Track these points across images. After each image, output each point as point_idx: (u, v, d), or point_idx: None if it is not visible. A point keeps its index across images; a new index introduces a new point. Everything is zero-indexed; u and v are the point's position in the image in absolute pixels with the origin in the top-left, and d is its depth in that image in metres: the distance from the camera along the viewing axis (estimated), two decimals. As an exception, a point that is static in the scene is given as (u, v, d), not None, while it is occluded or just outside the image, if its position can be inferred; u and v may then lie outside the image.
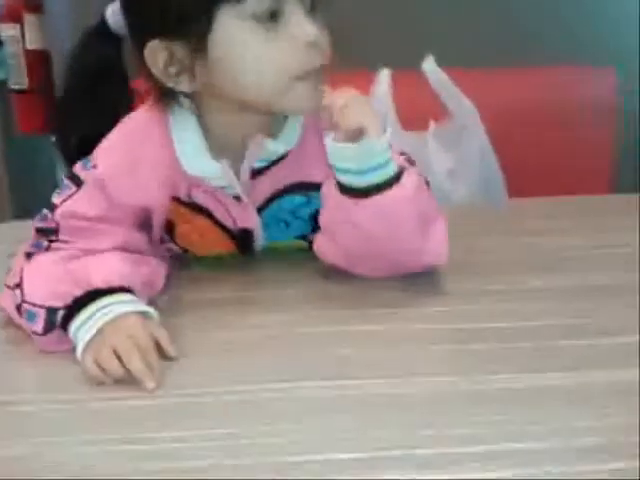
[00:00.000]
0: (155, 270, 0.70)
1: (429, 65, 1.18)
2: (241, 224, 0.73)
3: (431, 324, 0.64)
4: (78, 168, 0.67)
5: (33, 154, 2.19)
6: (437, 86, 1.17)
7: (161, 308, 0.64)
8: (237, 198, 0.70)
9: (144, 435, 0.50)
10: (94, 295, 0.61)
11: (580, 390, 0.53)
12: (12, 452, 0.49)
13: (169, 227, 0.73)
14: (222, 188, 0.69)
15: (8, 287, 0.65)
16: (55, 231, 0.67)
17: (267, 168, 0.70)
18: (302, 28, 0.61)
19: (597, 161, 1.28)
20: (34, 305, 0.62)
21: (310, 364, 0.58)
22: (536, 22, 1.37)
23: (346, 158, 0.64)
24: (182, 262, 0.77)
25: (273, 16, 0.60)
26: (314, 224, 0.73)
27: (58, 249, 0.66)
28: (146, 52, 0.63)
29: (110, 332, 0.58)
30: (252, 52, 0.61)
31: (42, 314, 0.61)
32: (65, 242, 0.66)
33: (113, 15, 0.69)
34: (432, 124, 1.19)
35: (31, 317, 0.61)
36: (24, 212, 2.12)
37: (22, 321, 0.63)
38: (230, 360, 0.60)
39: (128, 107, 0.72)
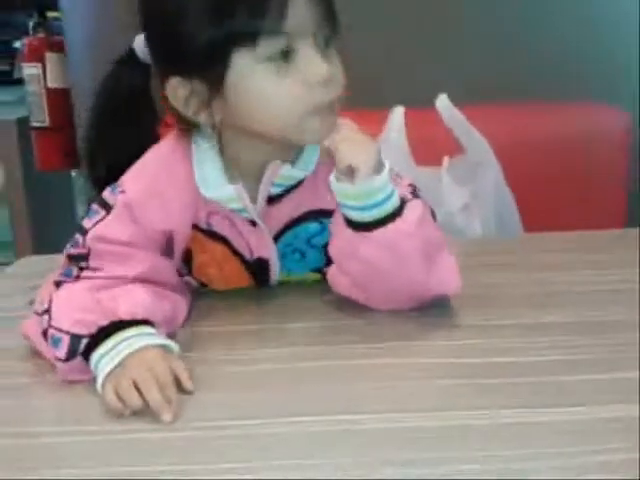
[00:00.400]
0: (177, 306, 0.71)
1: (442, 102, 1.20)
2: (257, 253, 0.74)
3: (440, 358, 0.64)
4: (107, 194, 0.70)
5: (52, 190, 2.23)
6: (450, 123, 1.18)
7: (178, 340, 0.65)
8: (253, 223, 0.72)
9: (156, 468, 0.50)
10: (118, 326, 0.62)
11: (583, 425, 0.52)
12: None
13: (187, 258, 0.74)
14: (238, 212, 0.71)
15: (36, 314, 0.66)
16: (86, 257, 0.68)
17: (284, 195, 0.72)
18: (313, 67, 0.63)
19: (611, 196, 1.29)
20: (60, 330, 0.63)
21: (321, 398, 0.58)
22: (550, 59, 1.38)
23: (348, 196, 0.66)
24: (198, 293, 0.78)
25: (285, 56, 0.63)
26: (328, 257, 0.74)
27: (88, 278, 0.67)
28: (167, 88, 0.66)
29: (131, 364, 0.59)
30: (266, 91, 0.64)
31: (66, 340, 0.62)
32: (94, 269, 0.68)
33: (141, 45, 0.72)
34: (446, 160, 1.20)
35: (56, 342, 0.62)
36: (43, 247, 2.16)
37: (46, 348, 0.64)
38: (243, 394, 0.60)
39: (155, 136, 0.75)
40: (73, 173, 2.04)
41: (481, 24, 1.39)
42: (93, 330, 0.62)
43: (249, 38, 0.62)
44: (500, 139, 1.19)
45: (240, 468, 0.50)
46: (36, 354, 0.67)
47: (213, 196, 0.69)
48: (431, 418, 0.55)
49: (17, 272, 0.93)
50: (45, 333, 0.64)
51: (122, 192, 0.69)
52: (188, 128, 0.69)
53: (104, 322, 0.62)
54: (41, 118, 1.70)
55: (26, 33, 1.83)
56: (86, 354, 0.61)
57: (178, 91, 0.66)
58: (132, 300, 0.64)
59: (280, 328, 0.72)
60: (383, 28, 1.41)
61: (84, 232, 0.68)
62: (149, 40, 0.69)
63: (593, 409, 0.54)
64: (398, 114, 1.22)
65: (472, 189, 1.15)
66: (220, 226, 0.72)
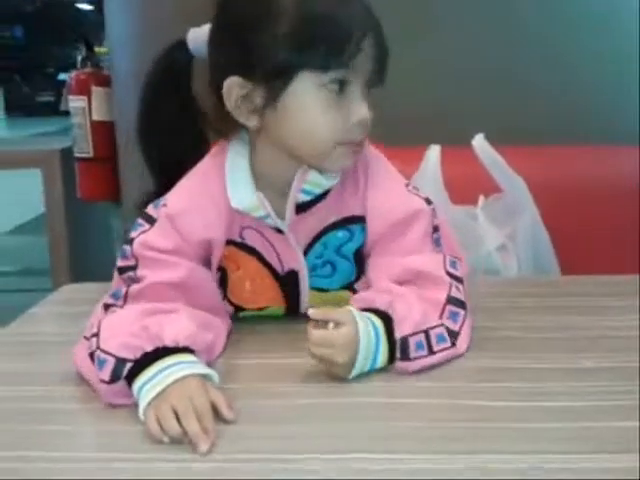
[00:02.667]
0: (218, 335, 0.73)
1: (479, 142, 1.21)
2: (287, 265, 0.77)
3: (476, 401, 0.63)
4: (150, 209, 0.74)
5: (91, 220, 2.28)
6: (487, 162, 1.19)
7: (216, 370, 0.66)
8: (279, 231, 0.75)
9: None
10: (161, 353, 0.64)
11: (617, 474, 0.52)
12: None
13: (223, 279, 0.78)
14: (263, 219, 0.74)
15: (85, 338, 0.68)
16: (134, 268, 0.72)
17: (311, 204, 0.75)
18: (358, 107, 0.69)
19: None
20: (106, 353, 0.64)
21: (354, 435, 0.59)
22: (587, 101, 1.39)
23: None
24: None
25: (341, 89, 0.68)
26: (358, 269, 0.78)
27: (134, 296, 0.70)
28: (225, 85, 0.70)
29: (172, 394, 0.61)
30: (314, 113, 0.69)
31: (112, 363, 0.64)
32: (140, 279, 0.71)
33: (194, 40, 0.77)
34: (482, 199, 1.21)
35: (101, 364, 0.64)
36: (80, 275, 2.20)
37: (90, 371, 0.66)
38: (282, 428, 0.60)
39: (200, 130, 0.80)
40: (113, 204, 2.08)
41: (521, 65, 1.41)
42: (138, 355, 0.64)
43: (321, 66, 0.67)
44: (536, 180, 1.20)
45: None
46: (82, 380, 0.68)
47: (240, 205, 0.73)
48: (464, 460, 0.54)
49: (59, 299, 0.95)
50: (92, 355, 0.66)
51: (164, 206, 0.73)
52: (226, 131, 0.73)
53: (149, 348, 0.64)
54: (85, 149, 1.75)
55: (72, 66, 1.90)
56: (129, 378, 0.63)
57: (234, 90, 0.70)
58: (177, 327, 0.67)
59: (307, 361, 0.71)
60: (424, 67, 1.43)
61: (130, 242, 0.72)
62: (217, 36, 0.72)
63: (631, 457, 0.54)
64: (434, 152, 1.24)
65: (509, 229, 1.15)
66: (252, 239, 0.76)
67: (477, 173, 1.21)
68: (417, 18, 1.42)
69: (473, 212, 1.19)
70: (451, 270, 0.74)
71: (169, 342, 0.65)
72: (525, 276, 1.12)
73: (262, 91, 0.69)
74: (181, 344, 0.65)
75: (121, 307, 0.71)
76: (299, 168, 0.72)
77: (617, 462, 0.53)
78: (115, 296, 0.72)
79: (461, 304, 0.72)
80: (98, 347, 0.66)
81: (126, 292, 0.71)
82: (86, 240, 2.23)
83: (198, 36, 0.76)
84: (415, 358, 0.68)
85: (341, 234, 0.77)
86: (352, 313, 0.68)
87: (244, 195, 0.72)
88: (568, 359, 0.71)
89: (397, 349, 0.68)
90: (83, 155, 1.76)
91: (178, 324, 0.67)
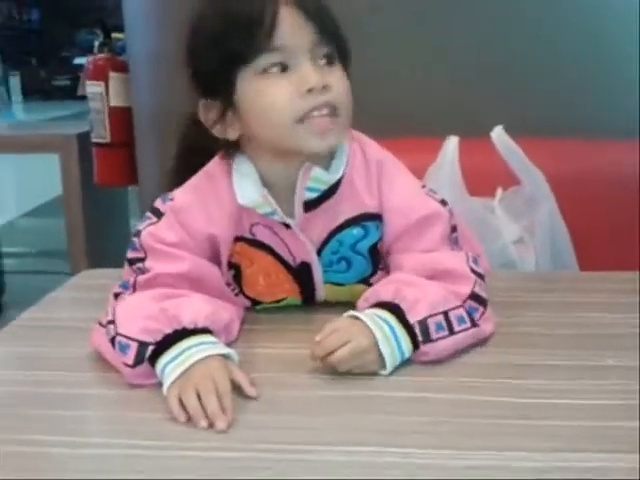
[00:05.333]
0: (233, 317, 0.75)
1: (498, 134, 1.20)
2: (299, 257, 0.78)
3: (495, 397, 0.63)
4: (158, 202, 0.77)
5: (108, 204, 2.29)
6: (506, 155, 1.18)
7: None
8: (287, 227, 0.76)
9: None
10: (182, 334, 0.66)
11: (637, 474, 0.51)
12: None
13: (237, 275, 0.79)
14: (270, 215, 0.75)
15: (101, 325, 0.71)
16: (142, 259, 0.74)
17: (320, 202, 0.75)
18: (304, 76, 0.69)
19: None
20: (128, 338, 0.66)
21: (370, 428, 0.58)
22: (610, 94, 1.37)
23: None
24: (247, 315, 0.80)
25: (283, 69, 0.70)
26: (374, 264, 0.78)
27: (142, 285, 0.72)
28: (199, 111, 0.74)
29: (194, 373, 0.63)
30: (263, 98, 0.70)
31: (134, 347, 0.66)
32: (147, 270, 0.73)
33: None
34: (499, 192, 1.20)
35: (124, 349, 0.66)
36: (96, 258, 2.21)
37: (113, 355, 0.68)
38: (302, 418, 0.61)
39: None
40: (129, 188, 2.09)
41: (543, 58, 1.39)
42: (159, 337, 0.66)
43: (244, 56, 0.69)
44: (555, 173, 1.19)
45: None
46: (99, 366, 0.69)
47: (245, 202, 0.74)
48: (480, 457, 0.54)
49: (78, 284, 0.96)
50: (112, 341, 0.68)
51: (171, 200, 0.76)
52: (225, 148, 0.76)
53: (168, 330, 0.66)
54: (102, 134, 1.75)
55: (88, 51, 1.90)
56: (152, 360, 0.65)
57: (206, 112, 0.73)
58: (194, 309, 0.69)
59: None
60: (444, 59, 1.42)
61: (138, 234, 0.75)
62: (188, 71, 0.76)
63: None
64: (452, 143, 1.23)
65: (526, 222, 1.14)
66: (262, 235, 0.77)
67: (495, 165, 1.20)
68: (432, 9, 1.41)
69: (490, 204, 1.18)
70: (473, 266, 0.74)
71: (187, 323, 0.67)
72: (543, 271, 1.11)
73: (219, 103, 0.72)
74: (200, 325, 0.67)
75: (130, 295, 0.72)
76: (300, 166, 0.73)
77: (633, 462, 0.53)
78: (124, 286, 0.74)
79: (482, 301, 0.72)
80: (117, 333, 0.67)
81: (134, 281, 0.73)
82: (103, 223, 2.25)
83: None
84: (437, 339, 0.68)
85: (356, 231, 0.77)
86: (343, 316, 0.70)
87: (250, 192, 0.74)
88: (588, 356, 0.70)
89: (418, 332, 0.68)
90: (100, 140, 1.76)
91: (195, 306, 0.70)
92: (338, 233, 0.77)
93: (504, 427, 0.58)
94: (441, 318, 0.69)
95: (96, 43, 1.83)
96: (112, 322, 0.68)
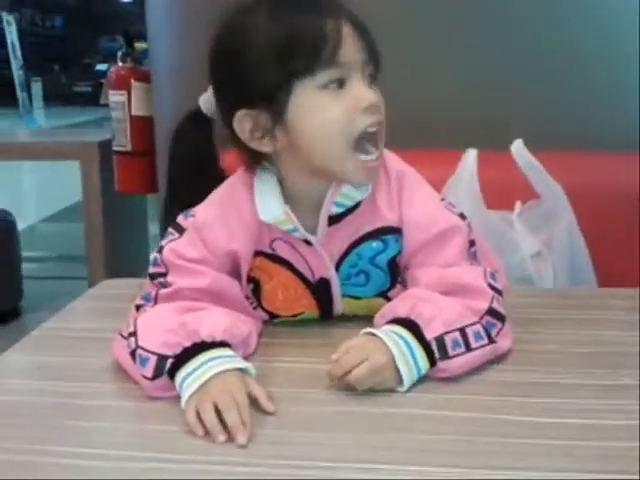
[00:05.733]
0: (251, 331, 0.75)
1: (517, 147, 1.20)
2: (318, 273, 0.78)
3: (510, 415, 0.63)
4: (181, 219, 0.77)
5: (127, 211, 2.31)
6: (525, 168, 1.18)
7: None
8: (308, 243, 0.76)
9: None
10: (200, 348, 0.67)
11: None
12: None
13: (256, 289, 0.80)
14: (292, 232, 0.75)
15: (122, 336, 0.71)
16: (164, 274, 0.75)
17: (344, 215, 0.76)
18: (363, 93, 0.71)
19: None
20: (148, 351, 0.67)
21: (385, 446, 0.58)
22: (627, 109, 1.37)
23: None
24: (266, 329, 0.80)
25: (340, 84, 0.70)
26: (392, 278, 0.78)
27: (164, 297, 0.73)
28: (235, 121, 0.73)
29: (212, 387, 0.63)
30: (320, 114, 0.70)
31: (153, 360, 0.66)
32: (169, 285, 0.74)
33: (205, 101, 0.82)
34: (518, 205, 1.19)
35: (143, 362, 0.67)
36: (114, 264, 2.22)
37: (133, 367, 0.68)
38: (321, 434, 0.61)
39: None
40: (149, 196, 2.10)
41: (560, 71, 1.39)
42: (178, 351, 0.66)
43: (308, 70, 0.69)
44: (574, 187, 1.18)
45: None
46: (119, 377, 0.70)
47: (267, 219, 0.75)
48: (500, 475, 0.54)
49: (98, 294, 0.97)
50: (133, 353, 0.68)
51: (193, 216, 0.77)
52: (252, 162, 0.75)
53: (187, 343, 0.67)
54: (123, 143, 1.77)
55: (110, 58, 1.92)
56: (171, 373, 0.66)
57: (244, 123, 0.72)
58: (212, 322, 0.69)
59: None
60: (462, 70, 1.42)
61: (160, 250, 0.76)
62: (216, 80, 0.76)
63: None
64: (471, 156, 1.23)
65: (545, 237, 1.13)
66: (282, 250, 0.77)
67: (514, 178, 1.20)
68: (450, 22, 1.41)
69: (509, 218, 1.18)
70: (491, 282, 0.74)
71: (206, 337, 0.67)
72: (561, 287, 1.10)
73: (268, 114, 0.71)
74: (218, 338, 0.68)
75: (151, 307, 0.73)
76: (329, 183, 0.74)
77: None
78: (146, 298, 0.74)
79: (500, 317, 0.72)
80: (138, 346, 0.68)
81: (156, 295, 0.74)
82: (122, 230, 2.27)
83: (208, 97, 0.81)
84: (454, 356, 0.68)
85: (375, 244, 0.77)
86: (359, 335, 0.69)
87: (272, 208, 0.74)
88: (606, 375, 0.70)
89: (434, 348, 0.67)
90: (121, 149, 1.78)
91: (214, 320, 0.70)
92: (357, 246, 0.77)
93: (521, 446, 0.58)
94: (458, 335, 0.69)
95: (119, 53, 1.86)
96: (133, 334, 0.69)
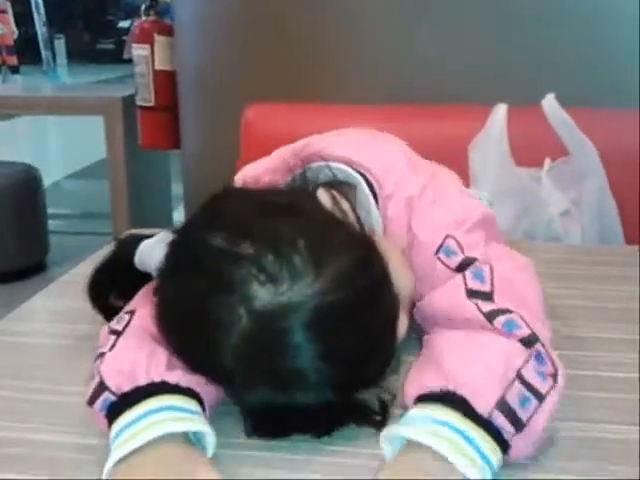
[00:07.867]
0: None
1: (549, 102, 1.17)
2: None
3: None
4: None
5: (151, 167, 2.32)
6: (556, 124, 1.15)
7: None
8: None
9: None
10: (145, 392, 0.47)
11: None
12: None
13: None
14: None
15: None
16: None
17: None
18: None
19: None
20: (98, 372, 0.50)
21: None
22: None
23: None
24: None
25: None
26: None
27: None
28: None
29: (141, 464, 0.44)
30: None
31: (95, 383, 0.50)
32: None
33: (141, 255, 0.64)
34: (547, 162, 1.17)
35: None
36: (139, 219, 2.24)
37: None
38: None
39: None
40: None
41: (592, 29, 1.35)
42: (118, 392, 0.48)
43: None
44: (607, 145, 1.15)
45: None
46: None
47: None
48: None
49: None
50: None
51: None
52: None
53: (126, 387, 0.48)
54: (147, 98, 1.76)
55: (133, 14, 1.91)
56: (111, 418, 0.48)
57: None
58: (161, 358, 0.49)
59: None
60: (495, 27, 1.38)
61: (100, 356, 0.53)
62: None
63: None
64: (501, 111, 1.20)
65: (574, 195, 1.11)
66: None
67: (544, 135, 1.17)
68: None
69: (537, 175, 1.16)
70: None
71: (155, 377, 0.48)
72: (587, 244, 1.08)
73: None
74: (173, 380, 0.48)
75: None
76: None
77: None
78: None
79: (537, 339, 0.50)
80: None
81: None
82: (146, 186, 2.28)
83: (145, 251, 0.63)
84: (528, 419, 0.46)
85: None
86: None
87: None
88: (634, 330, 0.69)
89: (499, 423, 0.45)
90: (145, 104, 1.77)
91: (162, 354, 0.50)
92: None
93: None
94: (518, 384, 0.47)
95: (143, 6, 1.84)
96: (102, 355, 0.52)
